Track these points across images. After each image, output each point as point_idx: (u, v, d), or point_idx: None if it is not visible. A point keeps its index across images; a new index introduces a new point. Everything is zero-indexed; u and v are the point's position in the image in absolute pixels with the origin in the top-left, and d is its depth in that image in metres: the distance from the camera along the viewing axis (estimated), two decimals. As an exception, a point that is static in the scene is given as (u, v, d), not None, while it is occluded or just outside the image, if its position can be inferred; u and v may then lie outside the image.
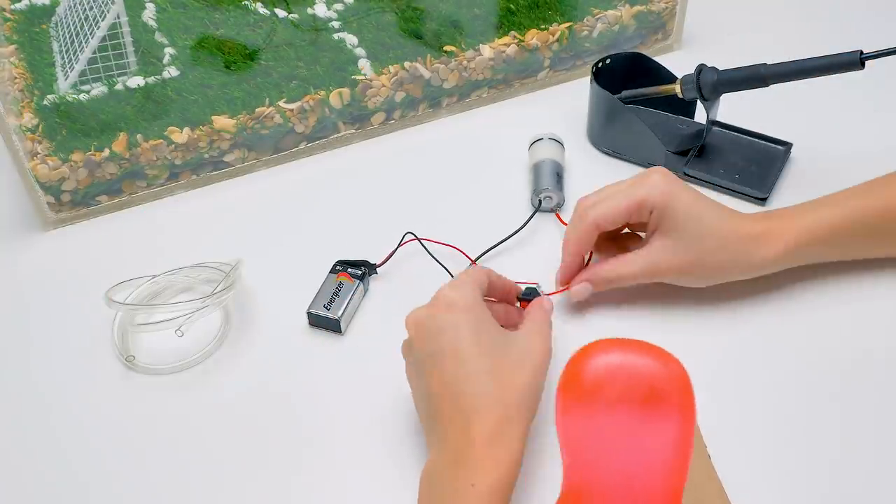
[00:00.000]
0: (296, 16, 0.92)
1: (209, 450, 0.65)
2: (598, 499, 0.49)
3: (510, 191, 0.82)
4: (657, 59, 0.85)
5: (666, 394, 0.48)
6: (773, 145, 0.83)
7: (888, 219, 0.69)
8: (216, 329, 0.72)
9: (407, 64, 0.87)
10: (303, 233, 0.80)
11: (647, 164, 0.82)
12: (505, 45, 0.90)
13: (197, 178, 0.85)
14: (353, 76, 0.86)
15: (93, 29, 0.83)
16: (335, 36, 0.90)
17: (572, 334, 0.69)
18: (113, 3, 0.82)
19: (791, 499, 0.59)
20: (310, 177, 0.86)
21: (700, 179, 0.81)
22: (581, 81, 0.92)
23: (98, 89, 0.84)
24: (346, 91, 0.86)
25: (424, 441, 0.60)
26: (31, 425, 0.67)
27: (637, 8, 0.93)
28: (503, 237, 0.76)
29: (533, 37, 0.90)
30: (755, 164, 0.82)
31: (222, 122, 0.83)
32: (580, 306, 0.72)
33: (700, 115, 0.84)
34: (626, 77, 0.85)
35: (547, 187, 0.79)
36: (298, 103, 0.85)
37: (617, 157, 0.85)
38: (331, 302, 0.71)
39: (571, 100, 0.90)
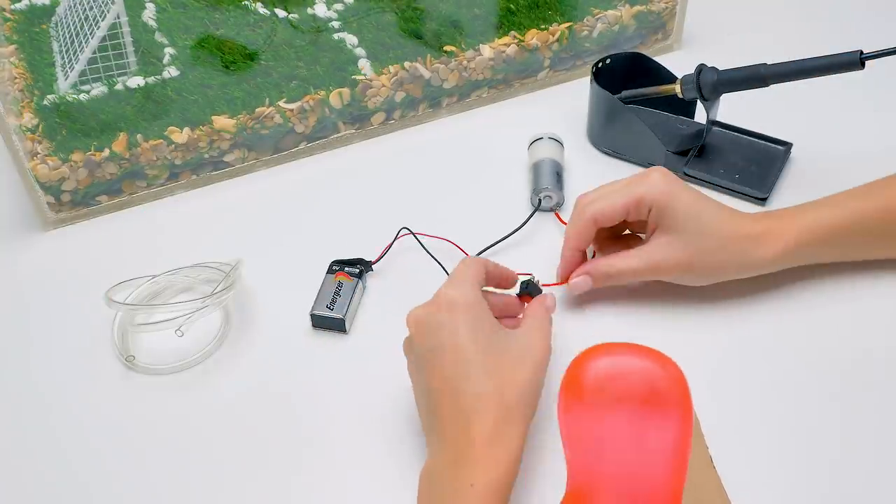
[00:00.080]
0: (296, 16, 0.92)
1: (209, 450, 0.65)
2: (601, 498, 0.50)
3: (510, 191, 0.82)
4: (657, 59, 0.85)
5: (664, 395, 0.49)
6: (773, 145, 0.83)
7: (888, 220, 0.69)
8: (216, 329, 0.72)
9: (407, 64, 0.87)
10: (303, 233, 0.80)
11: (647, 164, 0.82)
12: (505, 45, 0.90)
13: (197, 178, 0.85)
14: (353, 76, 0.86)
15: (93, 29, 0.83)
16: (335, 36, 0.90)
17: (573, 333, 0.69)
18: (113, 3, 0.82)
19: (790, 498, 0.59)
20: (310, 177, 0.86)
21: (700, 179, 0.81)
22: (581, 81, 0.92)
23: (98, 89, 0.84)
24: (346, 91, 0.86)
25: (424, 441, 0.60)
26: (31, 425, 0.67)
27: (637, 8, 0.93)
28: (502, 236, 0.76)
29: (533, 37, 0.90)
30: (755, 164, 0.82)
31: (222, 122, 0.83)
32: (581, 304, 0.72)
33: (700, 115, 0.84)
34: (626, 77, 0.85)
35: (546, 186, 0.79)
36: (298, 103, 0.85)
37: (617, 157, 0.85)
38: (333, 302, 0.71)
39: (571, 100, 0.90)
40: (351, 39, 0.89)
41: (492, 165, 0.85)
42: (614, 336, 0.55)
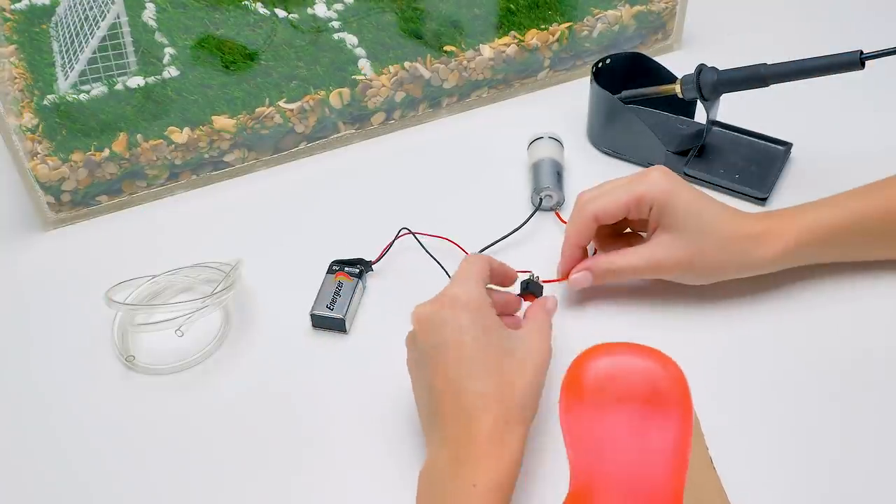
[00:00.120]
0: (296, 16, 0.92)
1: (209, 450, 0.65)
2: (603, 498, 0.50)
3: (510, 191, 0.82)
4: (657, 59, 0.85)
5: (665, 395, 0.49)
6: (773, 145, 0.83)
7: (888, 220, 0.69)
8: (216, 329, 0.72)
9: (407, 64, 0.87)
10: (303, 233, 0.80)
11: (647, 164, 0.82)
12: (505, 45, 0.90)
13: (197, 178, 0.85)
14: (353, 76, 0.86)
15: (93, 29, 0.83)
16: (335, 36, 0.90)
17: (573, 332, 0.69)
18: (113, 3, 0.82)
19: (790, 498, 0.59)
20: (310, 177, 0.86)
21: (700, 179, 0.81)
22: (581, 81, 0.92)
23: (98, 89, 0.84)
24: (346, 91, 0.86)
25: (424, 441, 0.60)
26: (31, 425, 0.67)
27: (637, 8, 0.93)
28: (503, 235, 0.76)
29: (533, 37, 0.90)
30: (755, 164, 0.82)
31: (222, 122, 0.83)
32: (581, 304, 0.72)
33: (700, 115, 0.84)
34: (626, 77, 0.85)
35: (547, 186, 0.79)
36: (298, 103, 0.85)
37: (617, 157, 0.85)
38: (333, 302, 0.71)
39: (571, 100, 0.90)
40: (351, 39, 0.89)
41: (492, 165, 0.85)
42: (614, 336, 0.55)
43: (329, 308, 0.71)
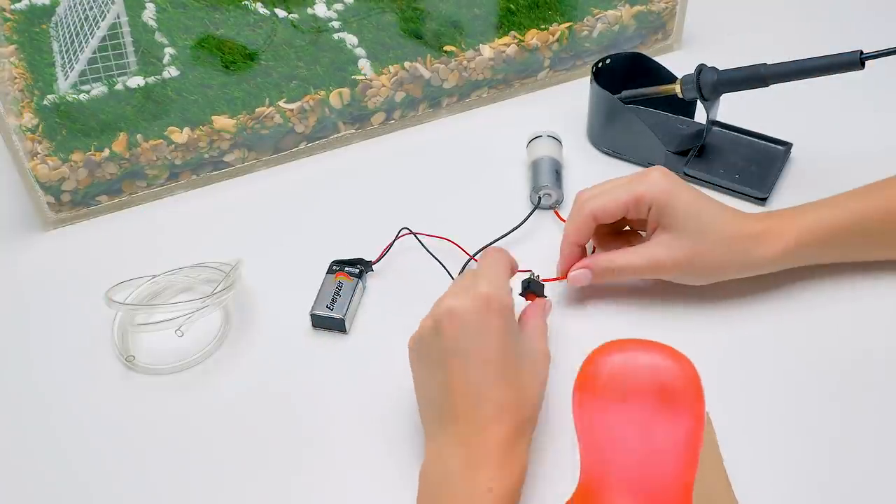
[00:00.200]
0: (296, 16, 0.92)
1: (209, 450, 0.65)
2: (613, 491, 0.50)
3: (510, 190, 0.82)
4: (657, 59, 0.85)
5: (678, 392, 0.49)
6: (773, 145, 0.83)
7: (888, 221, 0.69)
8: (216, 329, 0.72)
9: (407, 64, 0.87)
10: (303, 233, 0.80)
11: (647, 164, 0.82)
12: (505, 45, 0.90)
13: (197, 178, 0.85)
14: (353, 76, 0.86)
15: (93, 29, 0.83)
16: (335, 36, 0.90)
17: (573, 332, 0.69)
18: (113, 3, 0.82)
19: (790, 497, 0.59)
20: (310, 177, 0.86)
21: (700, 179, 0.81)
22: (581, 81, 0.92)
23: (98, 89, 0.84)
24: (346, 91, 0.86)
25: (424, 441, 0.60)
26: (31, 425, 0.67)
27: (637, 8, 0.93)
28: (502, 234, 0.76)
29: (533, 37, 0.90)
30: (755, 164, 0.82)
31: (222, 122, 0.83)
32: (581, 304, 0.72)
33: (700, 115, 0.84)
34: (626, 77, 0.85)
35: (546, 184, 0.79)
36: (298, 103, 0.85)
37: (617, 157, 0.85)
38: (333, 302, 0.71)
39: (571, 100, 0.90)
40: (351, 39, 0.89)
41: (492, 165, 0.85)
42: (614, 336, 0.55)
43: (329, 308, 0.71)
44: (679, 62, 0.83)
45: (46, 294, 0.76)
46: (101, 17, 0.82)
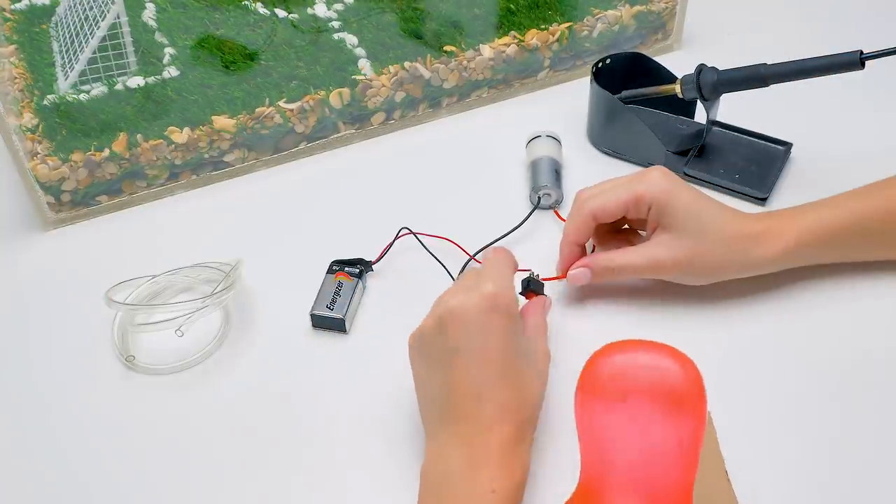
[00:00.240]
0: (296, 16, 0.92)
1: (209, 450, 0.65)
2: (613, 491, 0.50)
3: (510, 190, 0.82)
4: (657, 59, 0.85)
5: (680, 393, 0.49)
6: (773, 145, 0.83)
7: (888, 221, 0.69)
8: (216, 329, 0.72)
9: (407, 64, 0.87)
10: (303, 233, 0.80)
11: (647, 164, 0.82)
12: (505, 45, 0.90)
13: (197, 178, 0.85)
14: (353, 76, 0.86)
15: (93, 29, 0.83)
16: (335, 36, 0.90)
17: (573, 332, 0.69)
18: (113, 3, 0.82)
19: (790, 497, 0.59)
20: (310, 177, 0.86)
21: (700, 179, 0.81)
22: (581, 81, 0.92)
23: (98, 89, 0.84)
24: (346, 91, 0.86)
25: (424, 441, 0.60)
26: (31, 425, 0.67)
27: (637, 8, 0.93)
28: (502, 234, 0.76)
29: (533, 37, 0.90)
30: (755, 164, 0.82)
31: (222, 122, 0.83)
32: (581, 304, 0.72)
33: (700, 115, 0.84)
34: (626, 77, 0.85)
35: (545, 184, 0.79)
36: (298, 103, 0.85)
37: (617, 157, 0.85)
38: (333, 302, 0.71)
39: (571, 100, 0.90)
40: (351, 39, 0.89)
41: (492, 165, 0.85)
42: (614, 336, 0.55)
43: (329, 308, 0.71)
44: (679, 62, 0.83)
45: (46, 294, 0.76)
46: (101, 17, 0.82)
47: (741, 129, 0.84)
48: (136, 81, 0.85)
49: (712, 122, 0.82)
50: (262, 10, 0.92)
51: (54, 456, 0.65)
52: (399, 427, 0.65)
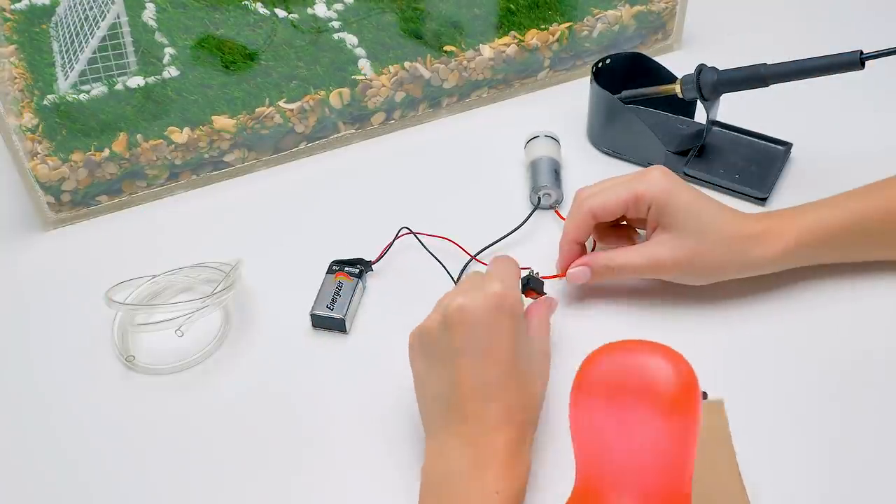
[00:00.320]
0: (296, 16, 0.92)
1: (209, 450, 0.65)
2: (608, 491, 0.50)
3: (510, 190, 0.82)
4: (657, 59, 0.85)
5: (674, 393, 0.49)
6: (773, 145, 0.83)
7: (888, 221, 0.69)
8: (216, 329, 0.72)
9: (407, 64, 0.87)
10: (303, 233, 0.80)
11: (647, 164, 0.82)
12: (505, 45, 0.90)
13: (197, 178, 0.85)
14: (353, 76, 0.86)
15: (93, 29, 0.83)
16: (335, 36, 0.90)
17: (572, 332, 0.69)
18: (113, 3, 0.82)
19: (790, 497, 0.59)
20: (310, 177, 0.86)
21: (700, 179, 0.81)
22: (581, 81, 0.92)
23: (98, 89, 0.84)
24: (346, 91, 0.86)
25: (424, 441, 0.60)
26: (31, 425, 0.67)
27: (637, 8, 0.93)
28: (503, 234, 0.76)
29: (533, 37, 0.90)
30: (755, 164, 0.82)
31: (222, 122, 0.83)
32: (580, 304, 0.72)
33: (700, 115, 0.84)
34: (626, 77, 0.85)
35: (545, 184, 0.79)
36: (298, 103, 0.85)
37: (617, 157, 0.85)
38: (333, 302, 0.71)
39: (571, 100, 0.90)
40: (351, 39, 0.89)
41: (492, 165, 0.85)
42: (614, 336, 0.55)
43: (329, 308, 0.71)
44: (679, 62, 0.83)
45: (46, 294, 0.76)
46: (101, 17, 0.82)
47: (741, 129, 0.84)
48: (136, 81, 0.85)
49: (712, 122, 0.82)
50: (262, 10, 0.92)
51: (54, 456, 0.65)
52: (399, 427, 0.65)
